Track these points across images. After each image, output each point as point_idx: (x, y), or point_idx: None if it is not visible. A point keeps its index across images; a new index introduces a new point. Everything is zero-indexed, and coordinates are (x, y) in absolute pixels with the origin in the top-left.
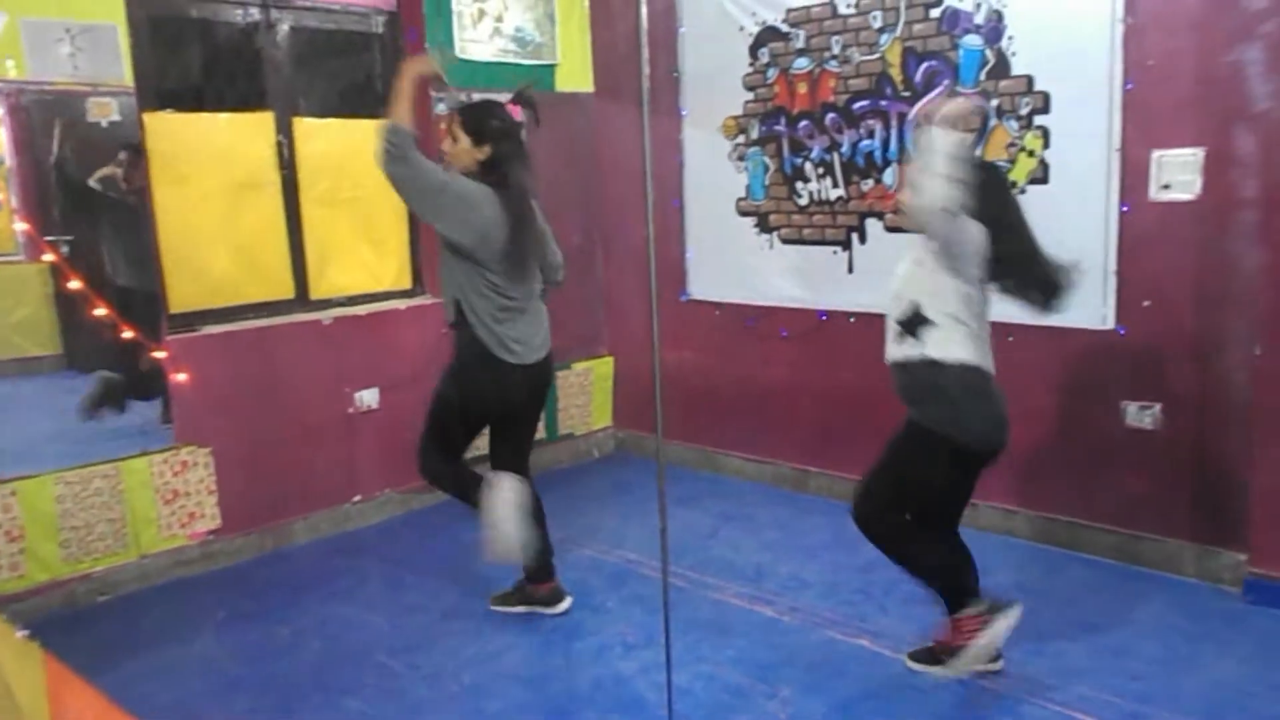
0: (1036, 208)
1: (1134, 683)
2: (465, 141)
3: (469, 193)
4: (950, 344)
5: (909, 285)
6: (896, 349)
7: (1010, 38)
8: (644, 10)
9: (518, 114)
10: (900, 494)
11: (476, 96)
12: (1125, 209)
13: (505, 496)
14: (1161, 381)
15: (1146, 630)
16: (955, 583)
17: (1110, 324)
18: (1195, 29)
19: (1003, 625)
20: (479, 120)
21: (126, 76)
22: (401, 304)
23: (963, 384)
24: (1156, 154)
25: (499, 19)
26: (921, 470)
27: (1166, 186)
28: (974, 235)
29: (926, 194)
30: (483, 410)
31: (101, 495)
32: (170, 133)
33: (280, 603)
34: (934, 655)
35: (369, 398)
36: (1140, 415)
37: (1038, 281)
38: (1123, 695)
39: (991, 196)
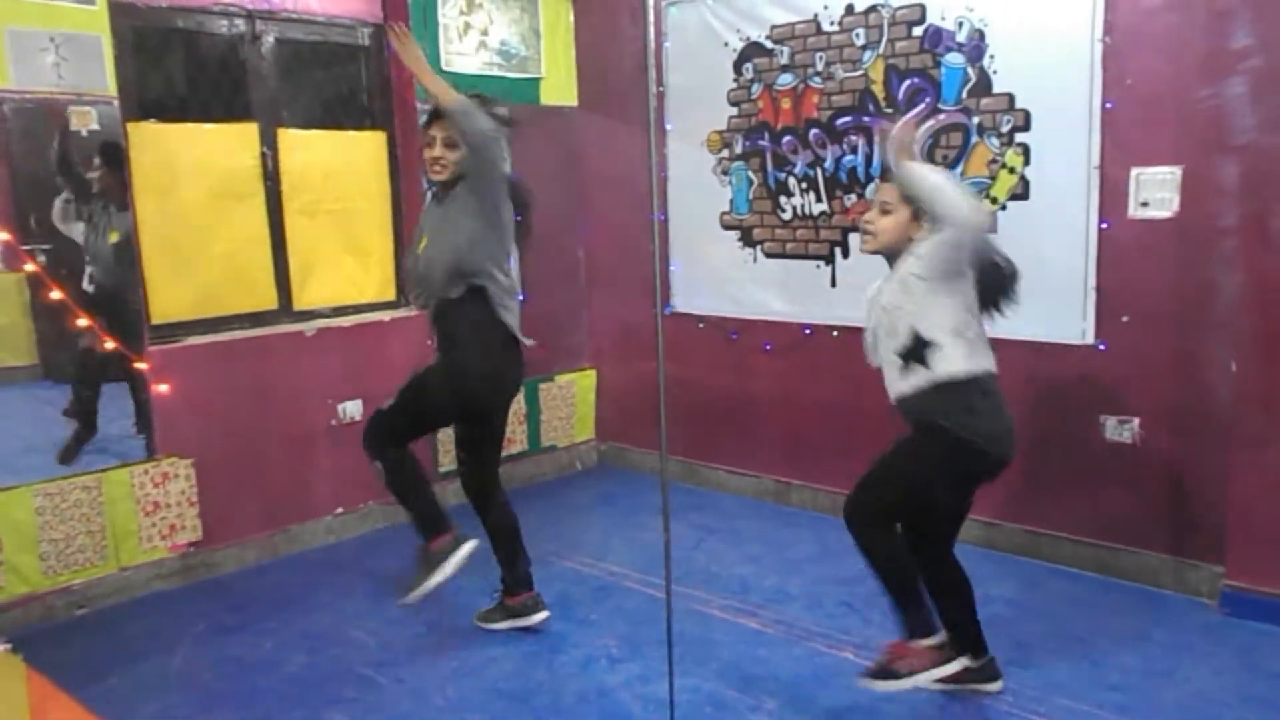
0: (1017, 224)
1: (1113, 694)
2: (464, 149)
3: None
4: (958, 359)
5: (898, 316)
6: (904, 383)
7: (992, 56)
8: (651, 33)
9: None
10: (901, 497)
11: None
12: (1105, 225)
13: (462, 558)
14: (1140, 396)
15: (1125, 642)
16: (918, 607)
17: (1090, 339)
18: (1172, 49)
19: (938, 675)
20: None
21: (110, 86)
22: (385, 315)
23: (981, 390)
24: (1135, 171)
25: (484, 32)
26: (929, 475)
27: (1145, 204)
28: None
29: (964, 207)
30: (486, 398)
31: (81, 507)
32: (154, 143)
33: (262, 616)
34: (886, 670)
35: (352, 409)
36: (1119, 430)
37: (996, 285)
38: (1102, 706)
39: None
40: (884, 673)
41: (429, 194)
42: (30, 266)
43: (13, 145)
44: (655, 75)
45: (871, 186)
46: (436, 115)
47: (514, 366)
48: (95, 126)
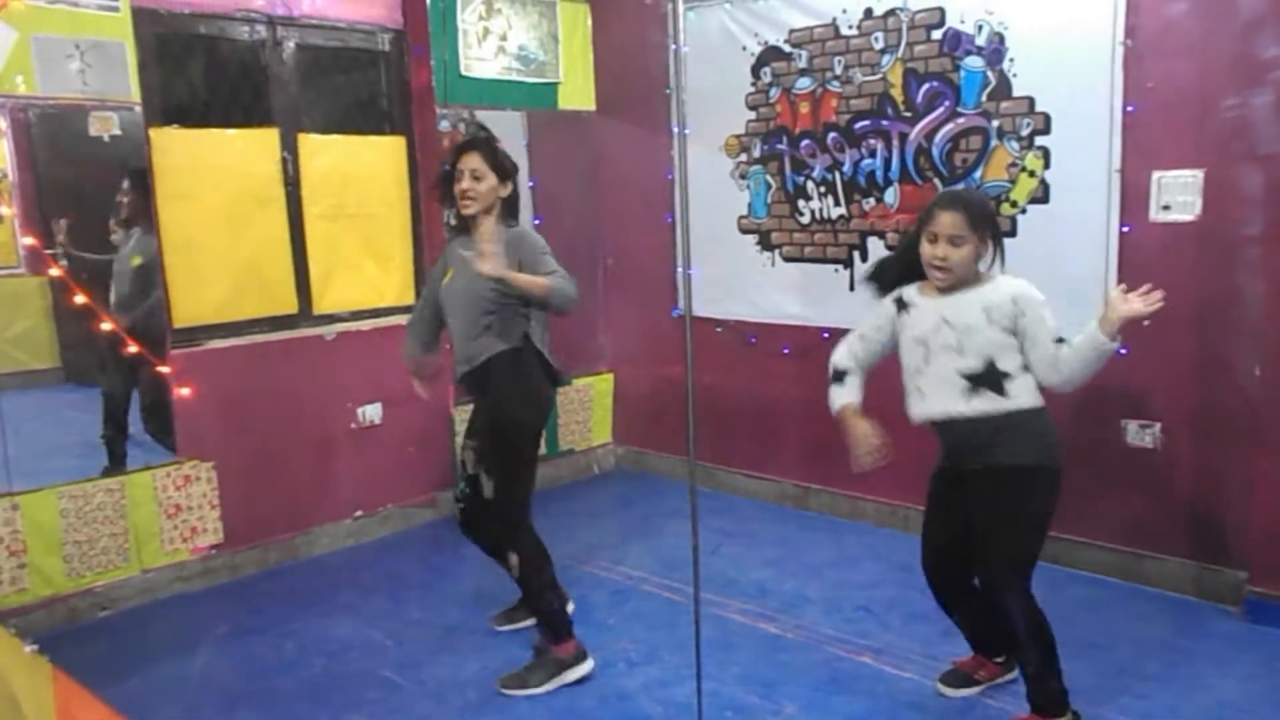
0: (1037, 227)
1: (1137, 702)
2: (492, 179)
3: (541, 242)
4: (1033, 390)
5: (972, 338)
6: (964, 404)
7: (1011, 59)
8: (680, 43)
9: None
10: (1034, 546)
11: (480, 114)
12: (1127, 229)
13: (581, 674)
14: (1162, 400)
15: (1148, 649)
16: (1059, 677)
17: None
18: (1196, 54)
19: None
20: (504, 158)
21: (134, 92)
22: (404, 319)
23: (1045, 420)
24: (1156, 175)
25: (503, 37)
26: (1042, 511)
27: (1166, 207)
28: None
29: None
30: (537, 436)
31: (104, 510)
32: (176, 148)
33: (283, 617)
34: (963, 677)
35: (372, 413)
36: (1140, 434)
37: None
38: (1127, 713)
39: None
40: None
41: (451, 220)
42: (54, 271)
43: (37, 151)
44: (654, 81)
45: (891, 190)
46: (465, 148)
47: (551, 398)
48: (117, 132)
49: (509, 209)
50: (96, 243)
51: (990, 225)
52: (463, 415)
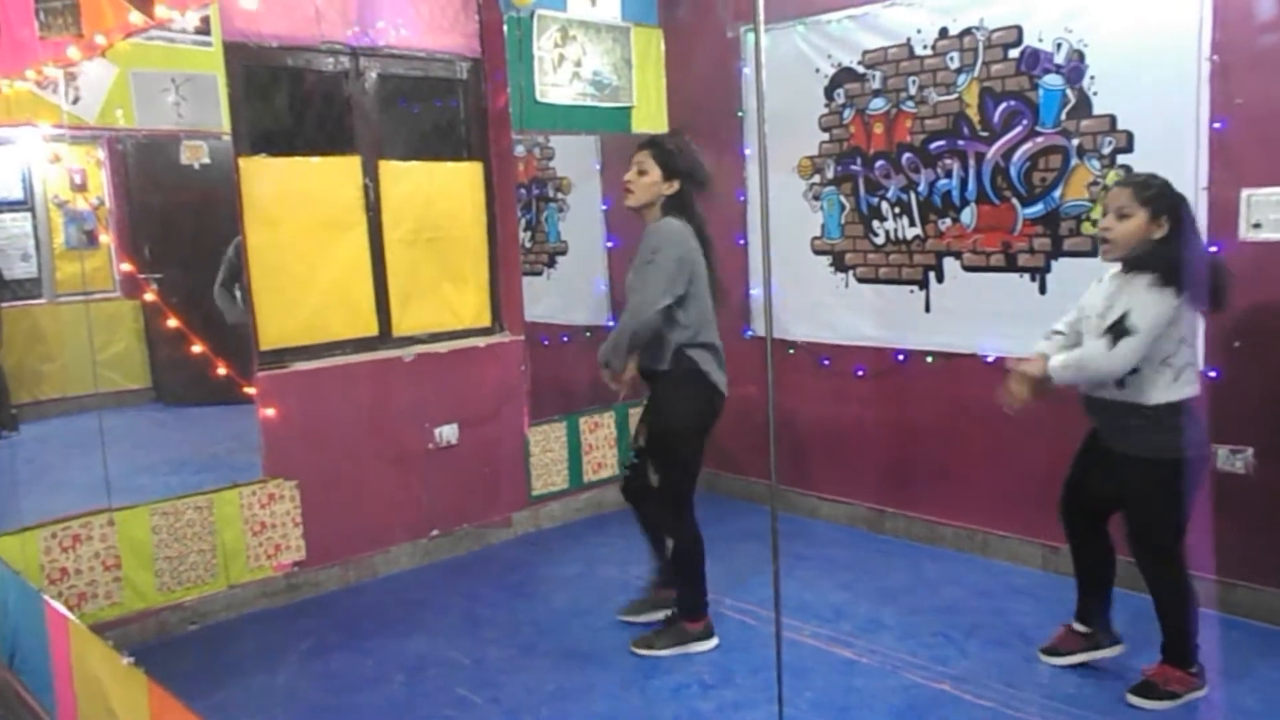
0: None
1: None
2: (656, 174)
3: (678, 247)
4: (1169, 387)
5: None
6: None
7: (1092, 77)
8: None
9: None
10: (1181, 529)
11: (554, 139)
12: (1216, 249)
13: (705, 649)
14: (1254, 425)
15: (1241, 681)
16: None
17: (1200, 365)
18: None
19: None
20: (670, 156)
21: (224, 123)
22: (481, 341)
23: (1176, 416)
24: (1246, 193)
25: (578, 64)
26: (1168, 500)
27: (1257, 225)
28: None
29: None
30: (702, 436)
31: (194, 526)
32: (263, 176)
33: (363, 634)
34: (1155, 689)
35: (448, 433)
36: (1231, 459)
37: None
38: None
39: None
40: (1157, 693)
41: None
42: (148, 295)
43: (132, 180)
44: (742, 101)
45: (968, 210)
46: (641, 145)
47: (712, 403)
48: (207, 160)
49: (675, 206)
50: (184, 264)
51: (1164, 201)
52: (545, 432)
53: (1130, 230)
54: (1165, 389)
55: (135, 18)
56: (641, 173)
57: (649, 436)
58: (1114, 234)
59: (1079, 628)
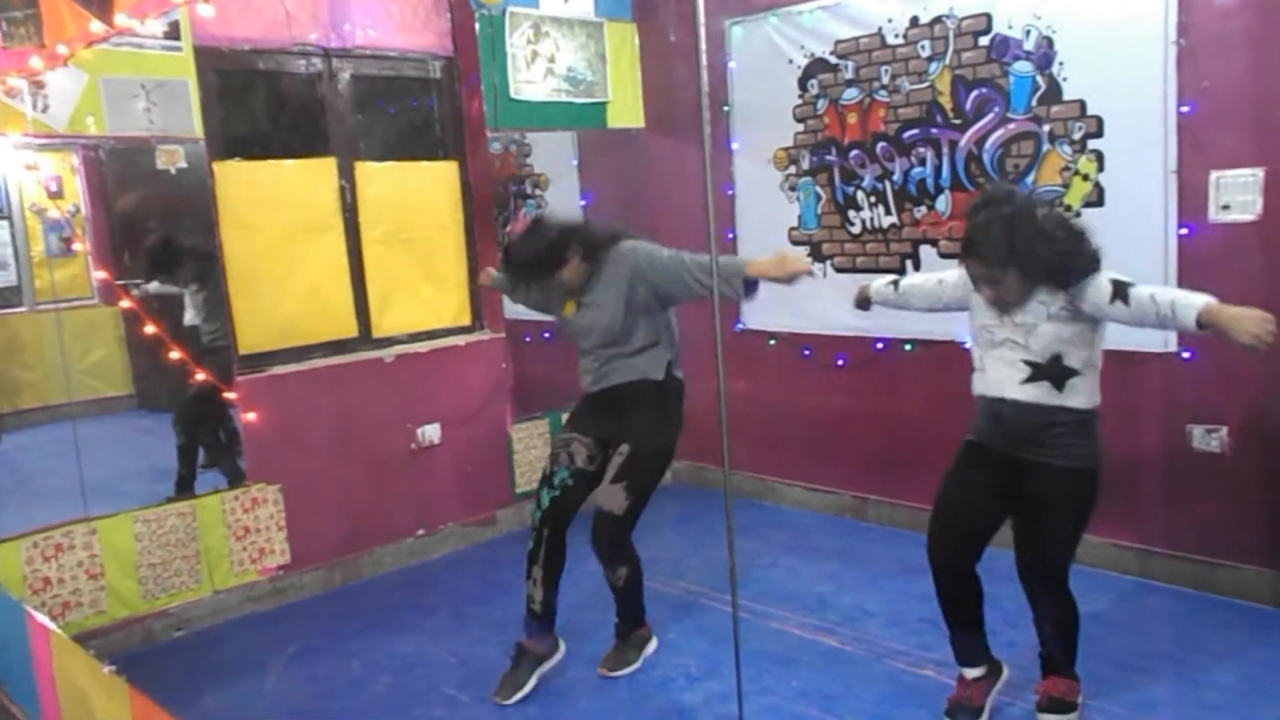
0: (1094, 231)
1: (1211, 713)
2: (570, 263)
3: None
4: (1094, 391)
5: (1042, 338)
6: (1021, 390)
7: (1061, 63)
8: (703, 64)
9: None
10: (1075, 544)
11: (530, 135)
12: (1186, 231)
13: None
14: (1228, 404)
15: (1223, 660)
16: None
17: (1174, 347)
18: (1251, 48)
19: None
20: (553, 244)
21: (197, 128)
22: (461, 340)
23: (1096, 423)
24: (1215, 175)
25: (551, 60)
26: (1087, 513)
27: (1226, 207)
28: None
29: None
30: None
31: (177, 533)
32: (238, 180)
33: (349, 636)
34: (1062, 703)
35: (431, 433)
36: (1207, 439)
37: None
38: None
39: None
40: (1065, 706)
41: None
42: (126, 302)
43: (109, 187)
44: (710, 97)
45: (942, 197)
46: (535, 261)
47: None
48: (183, 164)
49: (591, 249)
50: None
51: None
52: (528, 429)
53: (1011, 287)
54: (1092, 393)
55: (96, 27)
56: (569, 270)
57: (629, 456)
58: (1007, 296)
59: (973, 673)
